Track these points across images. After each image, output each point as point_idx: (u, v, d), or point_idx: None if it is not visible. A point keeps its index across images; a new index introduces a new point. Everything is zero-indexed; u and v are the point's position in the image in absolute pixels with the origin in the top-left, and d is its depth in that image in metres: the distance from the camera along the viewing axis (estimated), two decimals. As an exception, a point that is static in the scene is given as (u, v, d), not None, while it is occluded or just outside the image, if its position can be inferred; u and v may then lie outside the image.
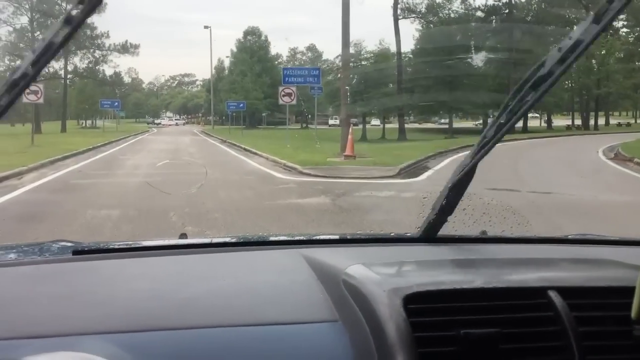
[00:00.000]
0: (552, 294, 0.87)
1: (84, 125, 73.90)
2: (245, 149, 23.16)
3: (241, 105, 44.36)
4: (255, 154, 20.25)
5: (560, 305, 0.86)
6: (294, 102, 23.26)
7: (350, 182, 11.58)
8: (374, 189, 10.24)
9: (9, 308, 0.93)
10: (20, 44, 46.68)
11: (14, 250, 1.33)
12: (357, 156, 16.18)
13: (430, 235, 1.32)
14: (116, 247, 1.30)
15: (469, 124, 59.79)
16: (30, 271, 1.11)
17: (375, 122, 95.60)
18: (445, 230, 1.34)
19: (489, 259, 1.22)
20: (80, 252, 1.22)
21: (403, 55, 44.18)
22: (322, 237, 1.54)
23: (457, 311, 0.84)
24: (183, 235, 1.44)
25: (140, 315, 0.89)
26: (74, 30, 0.82)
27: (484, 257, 1.27)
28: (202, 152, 21.45)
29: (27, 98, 20.13)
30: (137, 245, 1.30)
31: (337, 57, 43.60)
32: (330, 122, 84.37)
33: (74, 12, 0.81)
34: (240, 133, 42.80)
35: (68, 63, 48.76)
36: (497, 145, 1.13)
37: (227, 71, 79.62)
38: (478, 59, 46.83)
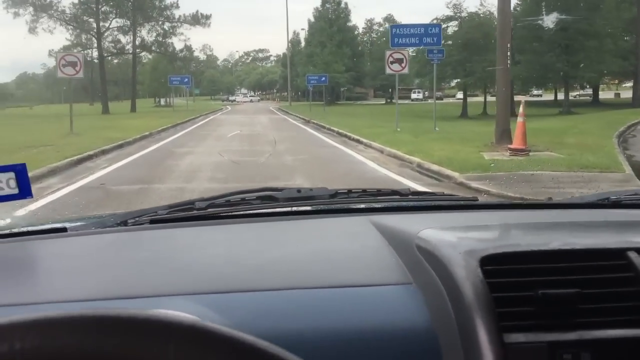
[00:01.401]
0: (632, 255, 0.85)
1: (159, 103, 70.65)
2: (340, 134, 17.70)
3: (323, 78, 38.89)
4: (359, 141, 14.76)
5: None
6: (406, 70, 17.48)
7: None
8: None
9: (98, 272, 0.97)
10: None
11: (94, 221, 1.35)
12: (530, 148, 10.27)
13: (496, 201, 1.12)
14: (190, 215, 1.30)
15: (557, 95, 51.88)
16: (114, 238, 1.17)
17: (460, 95, 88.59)
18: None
19: (563, 222, 1.19)
20: (157, 221, 1.26)
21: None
22: (388, 204, 1.52)
23: (533, 272, 0.82)
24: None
25: (221, 278, 0.92)
26: None
27: (554, 220, 1.25)
28: (287, 139, 16.21)
29: (63, 72, 15.43)
30: (210, 214, 1.30)
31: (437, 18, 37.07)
32: (414, 96, 77.47)
33: None
34: (322, 110, 37.58)
35: (136, 37, 44.85)
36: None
37: (302, 44, 74.32)
38: (597, 16, 38.78)
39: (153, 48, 46.68)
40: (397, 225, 1.13)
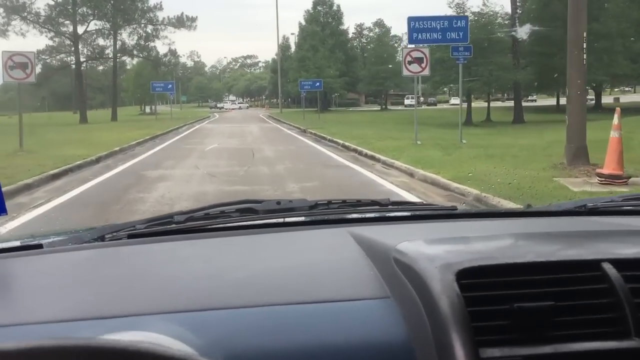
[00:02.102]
0: (606, 266, 0.86)
1: (144, 111, 67.45)
2: (347, 147, 14.97)
3: (317, 84, 36.15)
4: (374, 158, 12.02)
5: (615, 277, 0.84)
6: (427, 72, 14.80)
7: None
8: None
9: (74, 290, 0.96)
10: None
11: (71, 235, 1.35)
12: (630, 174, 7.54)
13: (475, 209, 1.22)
14: (168, 229, 1.29)
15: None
16: (91, 255, 1.15)
17: (455, 100, 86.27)
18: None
19: (539, 233, 1.19)
20: (135, 236, 1.25)
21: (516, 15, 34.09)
22: (368, 215, 1.54)
23: (509, 285, 0.83)
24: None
25: (198, 295, 0.91)
26: None
27: (531, 230, 1.26)
28: (286, 156, 13.45)
29: (10, 75, 12.54)
30: (188, 228, 1.29)
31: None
32: (407, 102, 75.00)
33: None
34: (317, 117, 34.90)
35: (117, 40, 41.79)
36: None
37: (292, 50, 71.80)
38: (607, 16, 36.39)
39: (135, 52, 43.45)
40: (375, 237, 1.13)
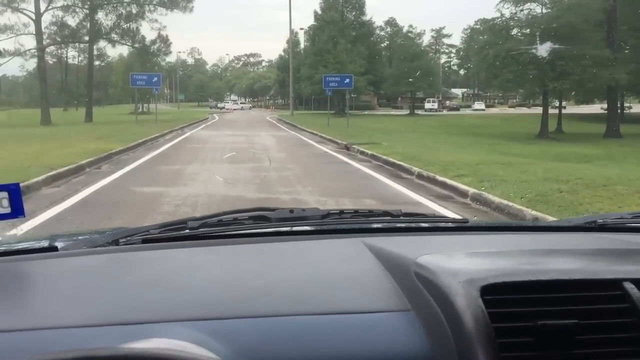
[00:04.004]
0: (628, 286, 0.86)
1: (142, 109, 58.77)
2: (461, 192, 6.89)
3: (346, 80, 27.97)
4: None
5: (636, 296, 0.85)
6: None
7: None
8: None
9: (91, 296, 0.95)
10: None
11: (85, 239, 1.35)
12: None
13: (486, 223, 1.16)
14: (183, 235, 1.30)
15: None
16: (106, 259, 1.14)
17: (478, 105, 77.91)
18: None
19: (558, 250, 1.19)
20: (149, 241, 1.25)
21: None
22: (380, 225, 1.53)
23: (532, 302, 0.83)
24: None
25: (217, 303, 0.90)
26: None
27: (548, 246, 1.26)
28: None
29: None
30: (202, 234, 1.30)
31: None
32: (428, 105, 66.55)
33: None
34: (346, 124, 26.87)
35: (93, 20, 33.35)
36: None
37: (302, 47, 63.61)
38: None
39: (114, 37, 34.97)
40: (392, 248, 1.12)
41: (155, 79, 28.51)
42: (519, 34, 27.17)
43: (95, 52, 37.46)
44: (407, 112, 54.42)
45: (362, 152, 13.89)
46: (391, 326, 0.85)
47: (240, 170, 10.27)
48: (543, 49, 24.03)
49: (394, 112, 62.94)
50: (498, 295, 0.83)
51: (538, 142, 24.34)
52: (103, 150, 12.54)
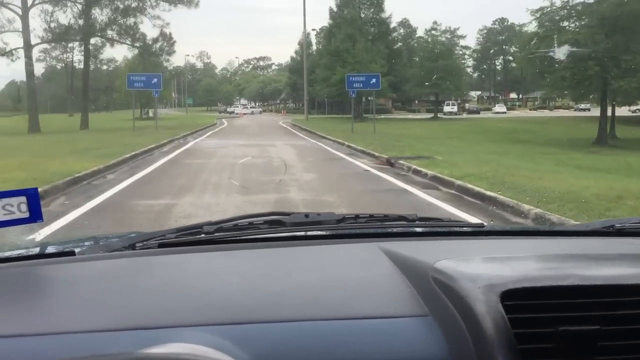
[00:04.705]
0: None
1: (147, 115, 55.04)
2: None
3: (373, 80, 24.38)
4: None
5: None
6: None
7: None
8: None
9: (109, 300, 0.95)
10: None
11: (101, 243, 1.35)
12: None
13: (502, 227, 1.38)
14: (199, 239, 1.30)
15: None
16: (124, 264, 1.14)
17: (499, 108, 73.90)
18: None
19: (577, 255, 1.15)
20: (166, 245, 1.25)
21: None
22: (395, 230, 1.52)
23: (552, 308, 0.83)
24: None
25: (235, 308, 0.90)
26: None
27: (566, 251, 1.23)
28: None
29: None
30: (218, 238, 1.30)
31: None
32: (447, 109, 62.39)
33: None
34: (372, 130, 23.45)
35: (89, 17, 29.90)
36: None
37: (314, 47, 60.33)
38: None
39: (110, 33, 31.47)
40: (408, 253, 1.11)
41: (155, 80, 24.80)
42: (573, 26, 23.48)
43: (101, 55, 34.10)
44: (424, 115, 50.86)
45: (416, 171, 10.38)
46: (409, 331, 0.84)
47: (256, 208, 6.79)
48: (605, 42, 20.44)
49: (411, 116, 59.13)
50: (518, 300, 0.81)
51: (601, 151, 20.76)
52: (68, 172, 9.12)
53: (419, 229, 1.52)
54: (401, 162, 11.77)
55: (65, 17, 30.65)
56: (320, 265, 1.15)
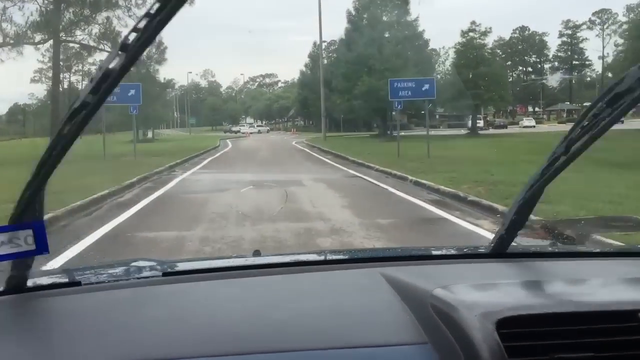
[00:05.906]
0: None
1: (146, 136, 48.99)
2: None
3: (425, 86, 18.20)
4: None
5: None
6: None
7: None
8: None
9: (112, 333, 0.95)
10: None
11: (104, 272, 1.36)
12: None
13: (501, 250, 1.34)
14: (203, 267, 1.30)
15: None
16: (128, 294, 1.15)
17: (528, 122, 67.91)
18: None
19: (574, 279, 1.18)
20: (170, 274, 1.25)
21: None
22: (395, 254, 1.53)
23: (548, 334, 0.84)
24: (257, 252, 1.47)
25: (239, 338, 0.91)
26: (131, 61, 0.77)
27: (564, 275, 1.24)
28: None
29: None
30: (223, 266, 1.31)
31: None
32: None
33: (130, 39, 0.76)
34: (426, 153, 17.39)
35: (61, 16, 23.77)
36: None
37: (325, 61, 54.43)
38: None
39: (82, 37, 25.24)
40: (409, 279, 1.12)
41: (132, 92, 18.61)
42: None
43: (88, 67, 28.25)
44: (449, 132, 44.89)
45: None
46: (408, 359, 0.84)
47: None
48: None
49: (433, 132, 53.05)
50: (514, 328, 0.82)
51: None
52: None
53: (419, 253, 1.52)
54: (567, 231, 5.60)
55: (22, 16, 24.70)
56: (321, 293, 1.15)
